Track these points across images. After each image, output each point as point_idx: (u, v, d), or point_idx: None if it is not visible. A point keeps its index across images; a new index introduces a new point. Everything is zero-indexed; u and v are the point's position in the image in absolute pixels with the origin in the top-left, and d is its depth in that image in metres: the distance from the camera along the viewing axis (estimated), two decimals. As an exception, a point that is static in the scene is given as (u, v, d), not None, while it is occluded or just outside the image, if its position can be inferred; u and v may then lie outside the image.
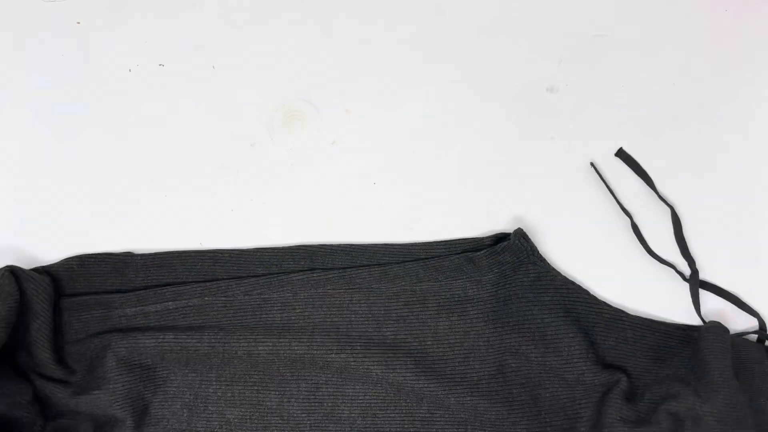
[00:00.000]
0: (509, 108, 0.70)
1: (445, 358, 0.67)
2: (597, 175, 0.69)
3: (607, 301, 0.67)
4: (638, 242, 0.68)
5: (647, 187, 0.69)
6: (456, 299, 0.67)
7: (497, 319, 0.67)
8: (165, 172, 0.71)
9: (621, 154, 0.69)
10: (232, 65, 0.71)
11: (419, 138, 0.71)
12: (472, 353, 0.66)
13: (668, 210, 0.68)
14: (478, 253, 0.67)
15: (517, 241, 0.67)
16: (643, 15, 0.71)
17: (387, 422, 0.66)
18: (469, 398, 0.65)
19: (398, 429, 0.66)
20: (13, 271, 0.64)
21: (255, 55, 0.71)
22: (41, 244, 0.69)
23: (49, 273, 0.67)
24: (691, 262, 0.68)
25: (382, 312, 0.67)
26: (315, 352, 0.66)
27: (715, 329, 0.64)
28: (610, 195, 0.69)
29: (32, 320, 0.64)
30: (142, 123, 0.71)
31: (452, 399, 0.66)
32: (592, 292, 0.67)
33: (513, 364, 0.67)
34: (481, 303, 0.67)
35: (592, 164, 0.70)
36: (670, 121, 0.70)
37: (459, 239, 0.69)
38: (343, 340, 0.67)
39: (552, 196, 0.70)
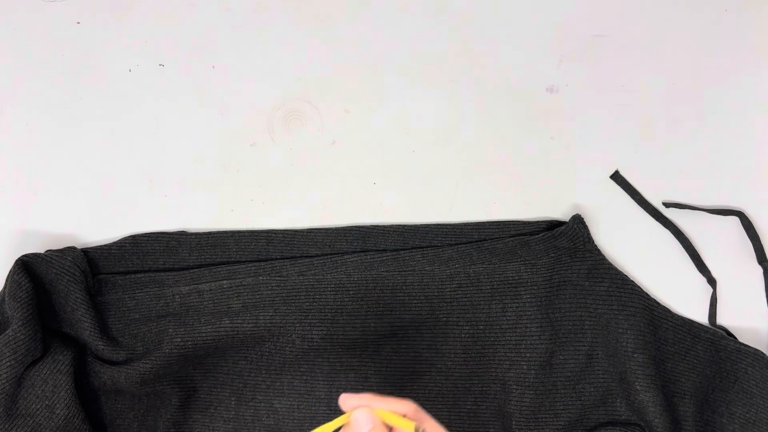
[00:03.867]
0: (509, 108, 0.70)
1: (496, 343, 0.66)
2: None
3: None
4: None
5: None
6: (509, 282, 0.66)
7: (549, 305, 0.66)
8: (165, 172, 0.71)
9: (616, 177, 0.69)
10: (232, 65, 0.71)
11: (419, 138, 0.71)
12: (524, 340, 0.65)
13: (675, 221, 0.69)
14: (534, 236, 0.67)
15: (575, 226, 0.66)
16: (643, 15, 0.71)
17: (433, 413, 0.65)
18: (515, 387, 0.65)
19: (444, 421, 0.65)
20: (26, 261, 0.64)
21: (255, 55, 0.71)
22: (40, 244, 0.69)
23: (106, 252, 0.67)
24: (708, 275, 0.68)
25: (436, 294, 0.66)
26: (368, 337, 0.66)
27: (762, 359, 0.64)
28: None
29: (65, 302, 0.64)
30: (142, 123, 0.71)
31: (498, 387, 0.65)
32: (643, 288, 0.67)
33: (561, 356, 0.66)
34: (535, 287, 0.66)
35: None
36: (670, 121, 0.70)
37: (512, 221, 0.69)
38: (396, 324, 0.66)
39: (552, 196, 0.70)
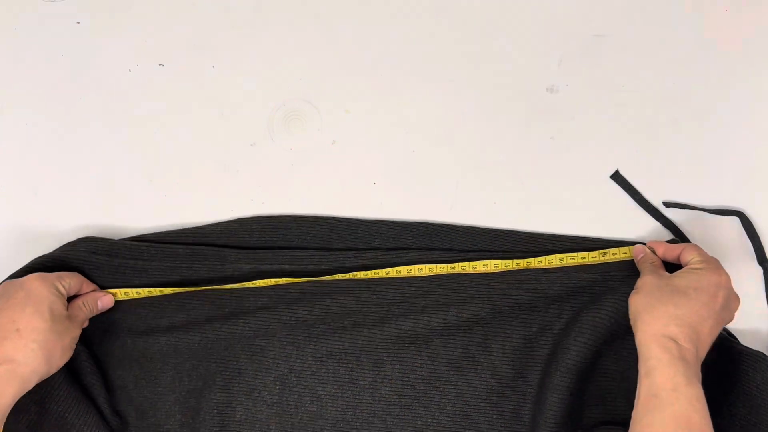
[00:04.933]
0: (509, 108, 0.70)
1: (545, 347, 0.65)
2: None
3: None
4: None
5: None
6: (579, 291, 0.65)
7: (609, 317, 0.63)
8: (165, 172, 0.71)
9: (616, 177, 0.69)
10: (232, 65, 0.71)
11: (419, 138, 0.71)
12: (575, 347, 0.63)
13: (675, 221, 0.69)
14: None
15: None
16: (643, 15, 0.70)
17: (477, 410, 0.65)
18: (554, 396, 0.63)
19: (487, 418, 0.65)
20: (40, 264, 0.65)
21: (255, 55, 0.71)
22: (40, 244, 0.69)
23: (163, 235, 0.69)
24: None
25: (500, 297, 0.65)
26: (419, 330, 0.65)
27: (764, 361, 0.63)
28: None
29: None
30: (142, 123, 0.71)
31: (534, 387, 0.65)
32: None
33: (603, 363, 0.65)
34: (602, 296, 0.64)
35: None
36: (670, 121, 0.70)
37: (588, 237, 0.68)
38: (451, 322, 0.65)
39: (552, 196, 0.70)
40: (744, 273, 0.69)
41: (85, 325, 0.65)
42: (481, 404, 0.65)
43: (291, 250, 0.68)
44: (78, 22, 0.71)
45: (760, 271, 0.68)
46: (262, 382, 0.66)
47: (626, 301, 0.61)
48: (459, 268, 0.66)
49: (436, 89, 0.71)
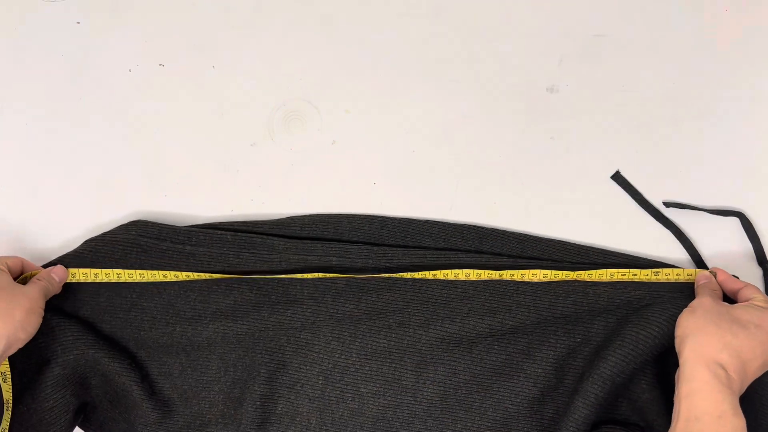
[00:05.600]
0: (509, 108, 0.70)
1: (588, 358, 0.65)
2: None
3: None
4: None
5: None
6: (627, 306, 0.65)
7: (654, 337, 0.62)
8: (165, 172, 0.71)
9: (617, 177, 0.69)
10: (232, 65, 0.71)
11: (419, 138, 0.71)
12: (614, 358, 0.62)
13: (675, 222, 0.69)
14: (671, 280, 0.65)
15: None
16: (643, 15, 0.70)
17: (517, 417, 0.65)
18: (581, 401, 0.62)
19: (526, 425, 0.65)
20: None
21: (255, 55, 0.71)
22: (40, 243, 0.69)
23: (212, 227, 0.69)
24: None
25: (546, 307, 0.65)
26: (464, 334, 0.65)
27: None
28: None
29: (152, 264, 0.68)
30: (142, 123, 0.71)
31: (571, 397, 0.64)
32: None
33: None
34: (655, 311, 0.63)
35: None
36: (670, 121, 0.70)
37: (641, 256, 0.68)
38: (496, 327, 0.65)
39: (552, 196, 0.70)
40: (744, 274, 0.69)
41: (56, 291, 0.65)
42: (522, 411, 0.65)
43: (340, 243, 0.68)
44: (78, 22, 0.71)
45: (760, 271, 0.68)
46: (305, 376, 0.66)
47: (674, 323, 0.61)
48: (507, 275, 0.66)
49: (436, 89, 0.71)
